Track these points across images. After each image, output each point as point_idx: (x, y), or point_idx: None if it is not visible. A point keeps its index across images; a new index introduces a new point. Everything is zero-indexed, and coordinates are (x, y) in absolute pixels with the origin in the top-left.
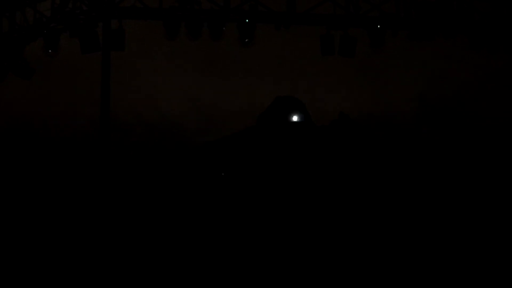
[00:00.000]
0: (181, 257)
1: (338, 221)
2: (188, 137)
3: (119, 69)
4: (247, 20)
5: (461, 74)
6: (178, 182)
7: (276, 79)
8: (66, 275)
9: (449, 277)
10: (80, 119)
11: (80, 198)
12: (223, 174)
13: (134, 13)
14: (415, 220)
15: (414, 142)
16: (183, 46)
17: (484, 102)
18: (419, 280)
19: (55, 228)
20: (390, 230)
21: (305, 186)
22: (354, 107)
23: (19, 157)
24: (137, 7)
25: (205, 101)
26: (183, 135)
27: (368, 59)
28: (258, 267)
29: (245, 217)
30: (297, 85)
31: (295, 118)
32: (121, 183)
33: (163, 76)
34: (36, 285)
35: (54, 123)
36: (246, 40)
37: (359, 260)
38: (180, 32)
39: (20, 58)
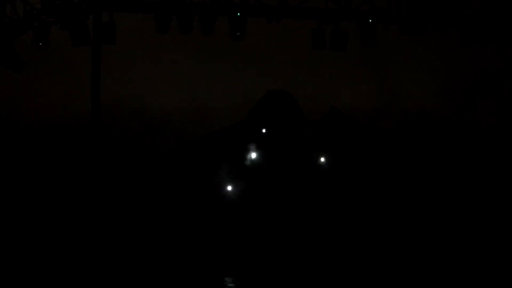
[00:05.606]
0: (176, 255)
1: (331, 216)
2: (179, 130)
3: (110, 61)
4: (238, 14)
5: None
6: (170, 177)
7: (268, 73)
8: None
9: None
10: (71, 111)
11: (70, 191)
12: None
13: (125, 5)
14: (409, 218)
15: (406, 136)
16: (175, 39)
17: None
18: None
19: (45, 223)
20: (383, 226)
21: (296, 181)
22: (346, 101)
23: (9, 150)
24: (128, 0)
25: (197, 95)
26: (175, 128)
27: (360, 53)
28: (254, 262)
29: (238, 213)
30: (288, 79)
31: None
32: (113, 177)
33: (154, 69)
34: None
35: (44, 116)
36: (238, 33)
37: (357, 257)
38: (172, 25)
39: (10, 51)
